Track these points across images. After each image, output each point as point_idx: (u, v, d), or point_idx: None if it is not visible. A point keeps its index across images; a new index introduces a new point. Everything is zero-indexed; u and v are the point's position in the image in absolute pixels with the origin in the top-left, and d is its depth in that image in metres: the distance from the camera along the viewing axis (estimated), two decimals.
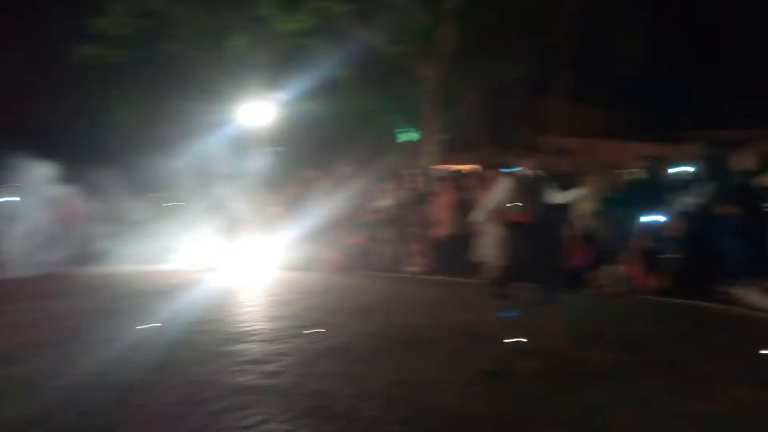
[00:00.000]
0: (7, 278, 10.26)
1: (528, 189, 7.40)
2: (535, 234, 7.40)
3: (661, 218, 8.34)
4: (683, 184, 8.47)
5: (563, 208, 9.40)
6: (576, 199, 8.64)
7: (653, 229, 8.40)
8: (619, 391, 4.04)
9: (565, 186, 8.60)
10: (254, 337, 5.80)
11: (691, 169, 8.69)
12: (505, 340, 5.42)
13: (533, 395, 3.98)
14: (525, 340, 5.43)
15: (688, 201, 8.17)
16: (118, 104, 16.38)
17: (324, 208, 12.39)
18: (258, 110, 14.96)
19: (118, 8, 13.89)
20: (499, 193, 7.84)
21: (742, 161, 7.69)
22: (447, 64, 13.89)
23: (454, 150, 17.13)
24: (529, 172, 7.47)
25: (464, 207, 10.65)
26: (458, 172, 12.12)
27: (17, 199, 12.13)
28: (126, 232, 12.02)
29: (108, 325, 6.44)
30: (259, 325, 6.42)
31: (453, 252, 10.62)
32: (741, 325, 6.27)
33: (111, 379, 4.49)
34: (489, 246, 10.02)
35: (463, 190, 11.03)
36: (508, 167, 9.10)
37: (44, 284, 9.84)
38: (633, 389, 4.07)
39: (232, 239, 12.42)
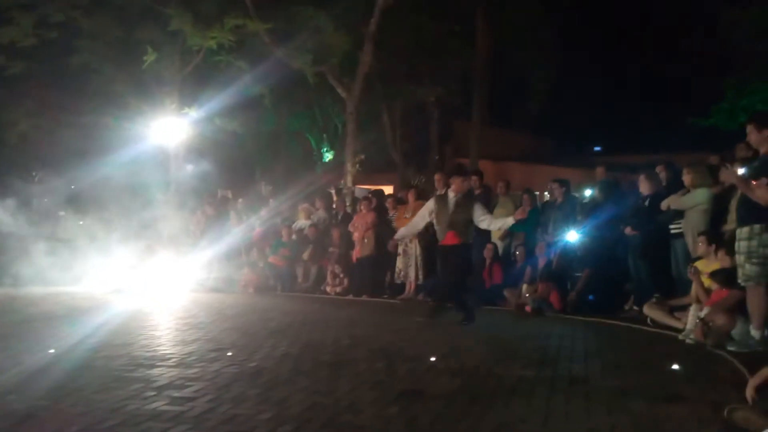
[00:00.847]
0: None
1: (453, 210, 7.48)
2: (458, 255, 7.48)
3: (571, 238, 8.71)
4: (592, 206, 8.90)
5: (482, 229, 9.64)
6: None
7: (564, 249, 8.75)
8: (530, 406, 4.14)
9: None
10: (166, 362, 5.57)
11: (596, 191, 9.17)
12: (424, 359, 5.45)
13: (450, 414, 4.01)
14: (441, 359, 5.49)
15: (594, 222, 8.57)
16: (17, 117, 15.50)
17: (242, 227, 12.17)
18: (172, 126, 14.56)
19: (23, 19, 13.21)
20: (422, 214, 7.91)
21: (645, 185, 8.14)
22: (365, 85, 14.03)
23: (374, 170, 17.28)
24: (452, 193, 7.56)
25: (384, 227, 10.75)
26: (378, 192, 12.19)
27: None
28: (33, 251, 11.33)
29: (6, 350, 6.02)
30: (171, 349, 6.17)
31: (373, 272, 10.67)
32: (646, 343, 6.58)
33: (10, 407, 4.19)
34: (409, 266, 10.18)
35: (383, 211, 11.11)
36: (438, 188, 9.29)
37: None
38: (543, 405, 4.18)
39: (145, 259, 11.95)
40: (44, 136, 15.15)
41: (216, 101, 14.74)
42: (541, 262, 8.77)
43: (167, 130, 14.56)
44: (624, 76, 21.97)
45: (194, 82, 14.98)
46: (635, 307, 7.97)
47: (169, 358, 5.71)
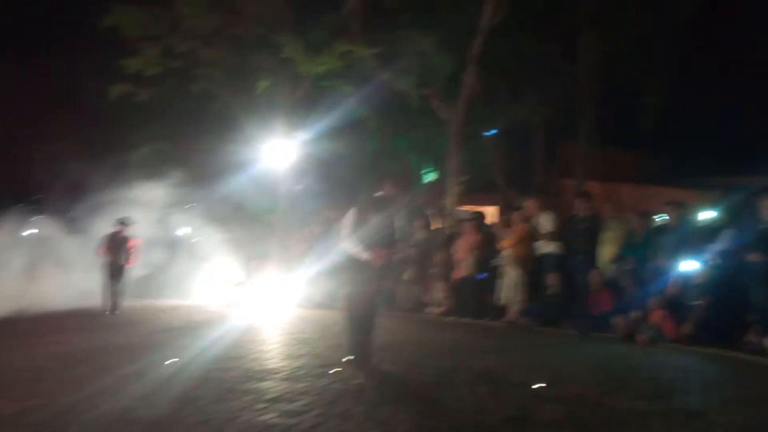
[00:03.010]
0: (44, 312, 10.30)
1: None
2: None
3: (689, 265, 8.25)
4: (710, 230, 8.40)
5: (590, 253, 9.38)
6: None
7: (681, 276, 8.31)
8: None
9: (588, 230, 8.59)
10: (276, 375, 5.80)
11: (716, 215, 8.64)
12: (529, 385, 5.35)
13: None
14: (546, 385, 5.35)
15: (715, 248, 8.09)
16: (140, 140, 16.74)
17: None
18: (281, 149, 15.19)
19: (150, 49, 14.30)
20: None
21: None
22: (469, 106, 14.04)
23: (475, 191, 17.18)
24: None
25: (486, 248, 10.66)
26: (479, 213, 12.13)
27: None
28: (155, 267, 12.15)
29: (137, 360, 6.48)
30: (280, 363, 6.42)
31: (475, 294, 10.59)
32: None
33: (137, 414, 4.52)
34: (510, 288, 10.02)
35: (485, 232, 11.04)
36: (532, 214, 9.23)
37: (77, 318, 9.92)
38: None
39: (255, 276, 12.50)
40: (165, 159, 16.24)
41: (322, 123, 15.26)
42: (654, 289, 8.36)
43: (277, 152, 15.20)
44: (743, 92, 20.67)
45: (303, 105, 15.58)
46: (759, 338, 7.42)
47: (279, 372, 5.94)
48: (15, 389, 5.22)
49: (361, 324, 6.14)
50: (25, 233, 12.86)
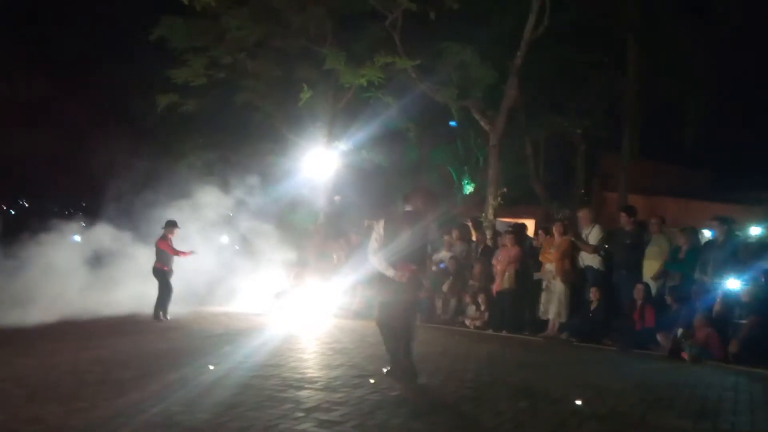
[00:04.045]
0: (91, 317, 10.52)
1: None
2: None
3: (735, 283, 8.05)
4: (757, 247, 8.18)
5: (633, 268, 9.23)
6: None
7: (727, 293, 8.10)
8: None
9: (632, 245, 8.46)
10: (313, 384, 5.84)
11: (763, 231, 8.42)
12: (569, 402, 5.27)
13: None
14: (587, 402, 5.27)
15: (762, 266, 7.88)
16: (186, 149, 17.10)
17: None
18: (322, 159, 15.33)
19: (196, 61, 14.62)
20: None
21: None
22: (509, 117, 13.96)
23: (515, 203, 17.05)
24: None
25: (526, 262, 10.56)
26: (520, 225, 12.02)
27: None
28: (197, 273, 12.32)
29: (179, 365, 6.60)
30: (318, 372, 6.46)
31: (513, 307, 10.49)
32: None
33: (178, 419, 4.61)
34: (550, 303, 9.89)
35: (525, 245, 10.94)
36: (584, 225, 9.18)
37: (122, 323, 10.13)
38: None
39: (294, 284, 12.62)
40: (209, 168, 16.56)
41: (363, 134, 15.36)
42: (699, 306, 8.16)
43: (318, 163, 15.35)
44: None
45: (344, 116, 15.71)
46: None
47: (316, 381, 5.98)
48: (60, 393, 5.35)
49: (394, 335, 6.04)
50: (75, 239, 13.20)
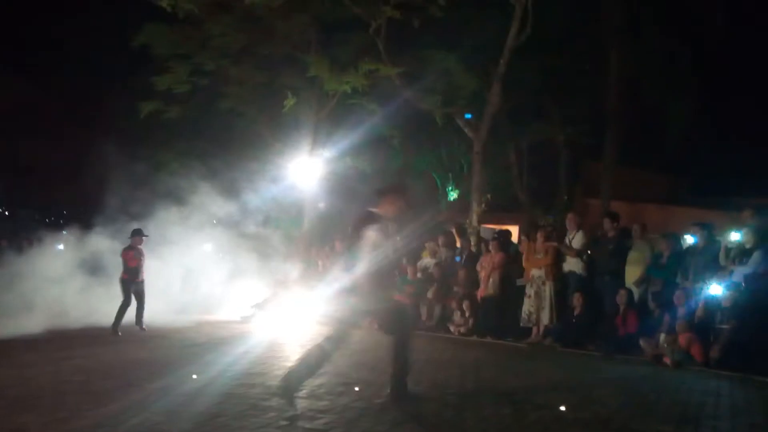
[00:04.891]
0: (72, 327, 10.36)
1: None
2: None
3: (716, 288, 8.13)
4: (738, 252, 8.28)
5: (616, 274, 9.29)
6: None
7: (708, 298, 8.18)
8: None
9: (615, 251, 8.51)
10: (297, 393, 5.79)
11: (743, 236, 8.50)
12: (553, 408, 5.29)
13: None
14: (570, 408, 5.29)
15: (743, 270, 7.97)
16: (169, 157, 17.00)
17: (368, 263, 12.42)
18: (306, 165, 15.31)
19: (180, 67, 14.56)
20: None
21: None
22: (493, 124, 14.03)
23: (498, 209, 17.12)
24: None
25: (511, 268, 10.60)
26: (504, 232, 12.07)
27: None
28: (178, 281, 12.21)
29: (162, 375, 6.53)
30: None
31: (498, 313, 10.52)
32: None
33: (161, 429, 4.56)
34: (542, 309, 9.89)
35: (510, 251, 10.98)
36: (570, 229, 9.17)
37: (104, 333, 10.00)
38: None
39: (278, 292, 12.56)
40: (191, 174, 16.45)
41: (347, 141, 15.36)
42: (681, 311, 8.24)
43: (302, 170, 15.32)
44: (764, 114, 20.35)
45: (328, 123, 15.72)
46: None
47: (300, 389, 5.93)
48: (41, 403, 5.28)
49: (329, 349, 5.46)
50: (58, 247, 13.03)
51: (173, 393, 5.69)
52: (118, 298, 10.41)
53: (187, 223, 12.82)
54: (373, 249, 5.40)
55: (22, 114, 20.65)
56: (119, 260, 10.69)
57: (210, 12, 13.58)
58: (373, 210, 5.66)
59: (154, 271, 11.09)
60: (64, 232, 14.48)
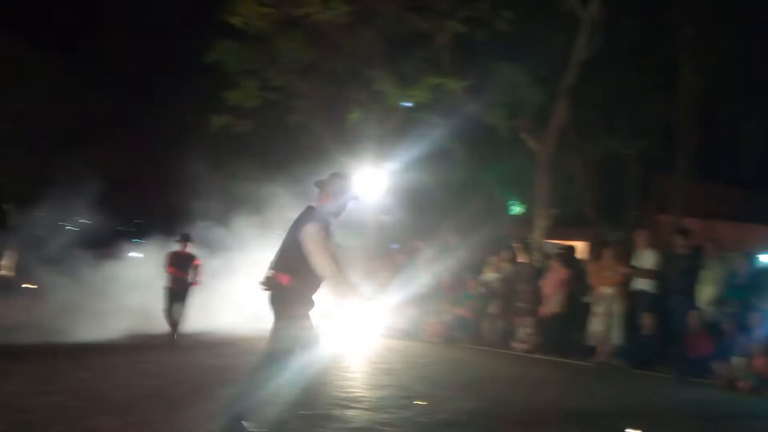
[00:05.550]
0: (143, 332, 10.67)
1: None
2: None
3: None
4: None
5: (688, 293, 8.98)
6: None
7: None
8: None
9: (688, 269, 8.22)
10: (361, 405, 5.86)
11: None
12: (621, 429, 5.15)
13: None
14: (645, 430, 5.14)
15: None
16: (239, 169, 17.52)
17: (429, 276, 12.42)
18: (370, 178, 15.44)
19: (248, 83, 14.99)
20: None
21: None
22: (559, 138, 13.81)
23: (564, 225, 16.78)
24: None
25: (576, 284, 10.39)
26: (569, 248, 11.83)
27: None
28: (249, 290, 12.45)
29: (232, 382, 6.64)
30: (365, 392, 6.47)
31: (562, 330, 10.31)
32: None
33: None
34: (611, 327, 9.62)
35: (575, 268, 10.77)
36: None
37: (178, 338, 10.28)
38: None
39: (339, 303, 12.66)
40: (259, 187, 16.88)
41: (411, 154, 15.42)
42: (757, 334, 7.87)
43: (366, 182, 15.46)
44: None
45: (392, 136, 15.83)
46: None
47: (362, 401, 6.00)
48: (113, 406, 5.45)
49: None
50: (130, 255, 13.55)
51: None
52: (200, 305, 10.59)
53: (261, 232, 13.09)
54: (320, 249, 4.56)
55: (104, 128, 21.81)
56: (200, 268, 10.77)
57: (279, 29, 13.96)
58: (312, 204, 4.85)
59: (226, 279, 11.33)
60: (135, 240, 14.98)
